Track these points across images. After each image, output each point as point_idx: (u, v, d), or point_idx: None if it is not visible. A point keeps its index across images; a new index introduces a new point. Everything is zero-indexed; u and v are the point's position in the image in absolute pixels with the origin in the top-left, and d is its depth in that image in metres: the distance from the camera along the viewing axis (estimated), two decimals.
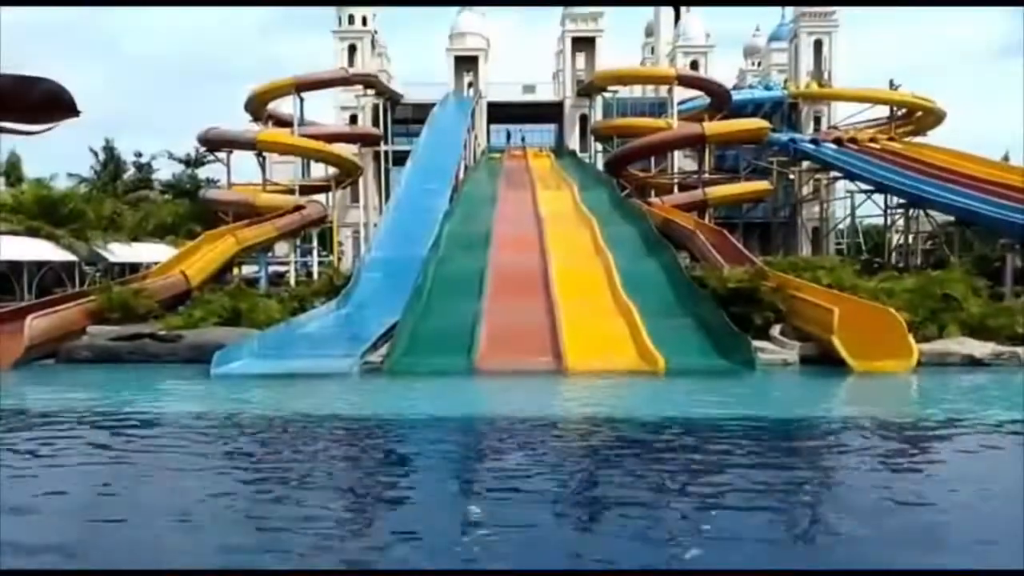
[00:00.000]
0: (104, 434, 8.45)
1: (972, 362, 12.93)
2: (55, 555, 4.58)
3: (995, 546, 4.75)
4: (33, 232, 23.87)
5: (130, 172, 38.66)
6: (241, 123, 30.96)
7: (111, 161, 37.18)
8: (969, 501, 5.76)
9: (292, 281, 25.90)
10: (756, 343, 13.29)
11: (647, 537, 4.92)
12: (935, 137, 32.75)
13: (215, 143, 28.15)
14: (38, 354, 14.11)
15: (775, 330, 14.31)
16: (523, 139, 38.59)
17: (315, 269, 28.40)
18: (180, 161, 39.25)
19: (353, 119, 35.57)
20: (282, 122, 30.79)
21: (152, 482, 6.47)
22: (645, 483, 6.33)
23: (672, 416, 9.11)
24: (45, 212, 25.13)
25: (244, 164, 30.37)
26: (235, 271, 24.79)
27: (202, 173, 39.12)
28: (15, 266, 23.21)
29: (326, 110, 36.50)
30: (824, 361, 12.88)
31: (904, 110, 33.05)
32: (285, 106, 31.19)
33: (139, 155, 38.99)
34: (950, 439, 8.11)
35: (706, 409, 9.56)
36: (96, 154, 36.98)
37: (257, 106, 29.93)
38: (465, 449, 8.03)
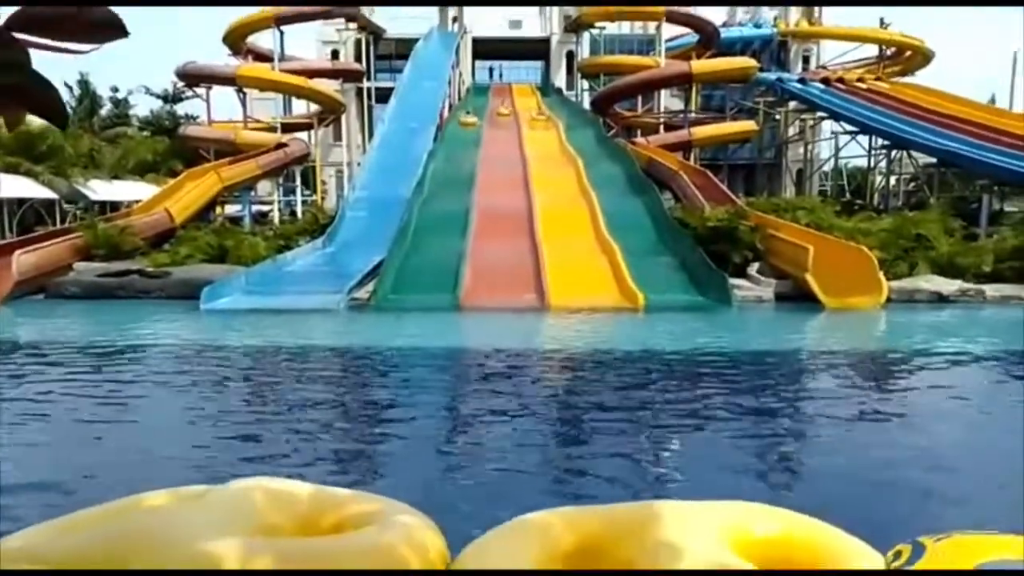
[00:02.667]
0: (102, 366, 8.72)
1: (939, 299, 13.41)
2: (47, 490, 4.59)
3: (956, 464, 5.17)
4: (12, 169, 23.53)
5: (107, 108, 37.77)
6: (220, 58, 30.28)
7: (86, 96, 36.22)
8: (929, 426, 6.20)
9: (276, 220, 25.85)
10: (733, 281, 13.68)
11: (627, 467, 5.12)
12: (924, 78, 32.70)
13: (194, 78, 27.56)
14: (26, 290, 14.23)
15: (753, 268, 14.69)
16: (500, 77, 37.96)
17: (299, 208, 28.30)
18: (158, 97, 38.40)
19: (335, 54, 34.81)
20: (262, 57, 30.09)
21: (146, 411, 6.75)
22: (625, 413, 6.69)
23: (648, 349, 9.49)
24: (23, 148, 24.68)
25: (224, 101, 29.82)
26: (218, 209, 24.68)
27: (180, 109, 38.38)
28: None
29: (307, 44, 35.67)
30: (798, 298, 13.30)
31: (893, 49, 32.86)
32: (264, 40, 30.46)
33: (115, 90, 38.02)
34: (907, 369, 8.56)
35: (678, 342, 9.95)
36: (71, 88, 36.07)
37: (236, 39, 29.20)
38: (450, 381, 8.36)
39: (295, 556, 1.93)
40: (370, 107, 33.22)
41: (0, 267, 14.07)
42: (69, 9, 1.01)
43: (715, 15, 35.80)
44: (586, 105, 31.34)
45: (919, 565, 1.90)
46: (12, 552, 1.94)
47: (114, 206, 24.92)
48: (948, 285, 13.68)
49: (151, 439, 5.76)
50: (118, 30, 1.04)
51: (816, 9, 35.13)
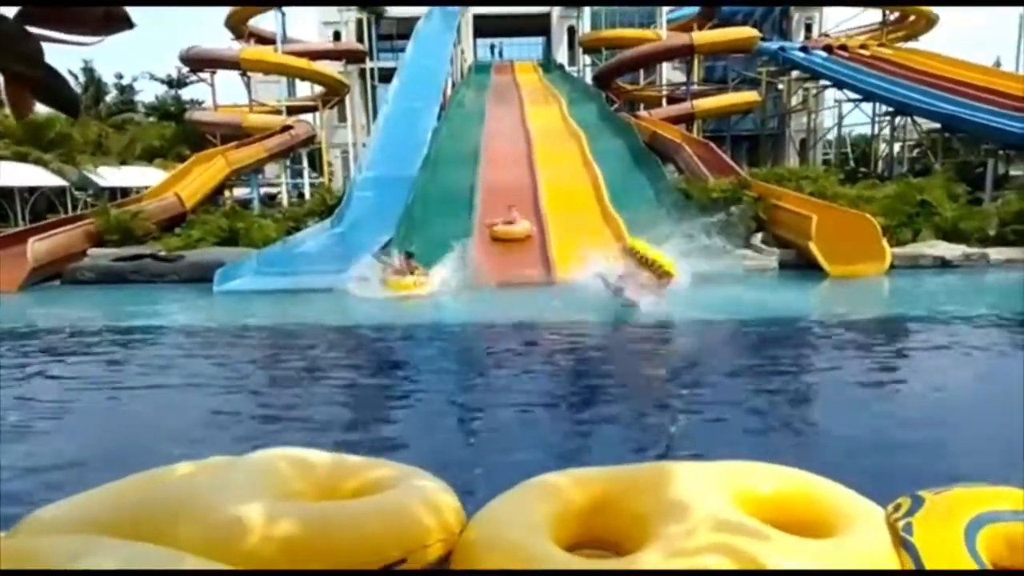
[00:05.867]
0: (123, 348, 8.97)
1: (943, 264, 13.53)
2: (74, 466, 4.64)
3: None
4: (21, 157, 23.79)
5: (112, 94, 37.95)
6: (223, 42, 30.31)
7: (92, 83, 36.40)
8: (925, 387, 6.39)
9: (284, 202, 26.06)
10: (738, 251, 13.82)
11: (634, 432, 5.27)
12: (929, 43, 32.41)
13: (198, 62, 27.66)
14: (42, 276, 14.51)
15: (756, 238, 14.82)
16: (501, 54, 37.79)
17: (307, 190, 28.49)
18: (162, 82, 38.55)
19: (336, 36, 34.75)
20: (264, 39, 30.14)
21: (168, 389, 6.94)
22: (631, 380, 6.90)
23: (653, 317, 9.67)
24: (31, 136, 24.93)
25: (228, 85, 29.93)
26: (227, 193, 24.91)
27: (186, 94, 38.52)
28: (6, 192, 23.27)
29: (309, 26, 35.65)
30: (802, 266, 13.44)
31: (896, 14, 32.53)
32: (267, 22, 30.47)
33: (120, 77, 38.22)
34: (908, 332, 8.73)
35: (683, 311, 10.11)
36: (76, 76, 36.19)
37: (238, 22, 29.23)
38: (461, 354, 8.56)
39: (319, 518, 1.99)
40: (373, 87, 33.21)
41: (15, 254, 14.35)
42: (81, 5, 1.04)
43: None
44: (588, 80, 31.26)
45: (917, 517, 2.01)
46: (52, 520, 1.99)
47: (124, 192, 25.20)
48: (952, 250, 13.79)
49: (173, 416, 5.92)
50: (124, 22, 1.02)
51: None
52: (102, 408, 6.23)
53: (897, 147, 29.82)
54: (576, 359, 7.71)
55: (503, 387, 6.53)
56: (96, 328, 9.99)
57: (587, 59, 33.76)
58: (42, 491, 3.68)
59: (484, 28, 36.95)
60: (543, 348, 8.35)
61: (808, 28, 34.93)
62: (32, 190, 23.85)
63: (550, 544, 2.00)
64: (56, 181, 24.18)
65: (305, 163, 29.89)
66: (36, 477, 4.40)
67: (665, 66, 31.24)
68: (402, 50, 28.87)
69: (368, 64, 32.97)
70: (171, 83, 38.14)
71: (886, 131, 29.20)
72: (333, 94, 29.84)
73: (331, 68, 29.64)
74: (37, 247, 14.50)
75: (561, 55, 36.01)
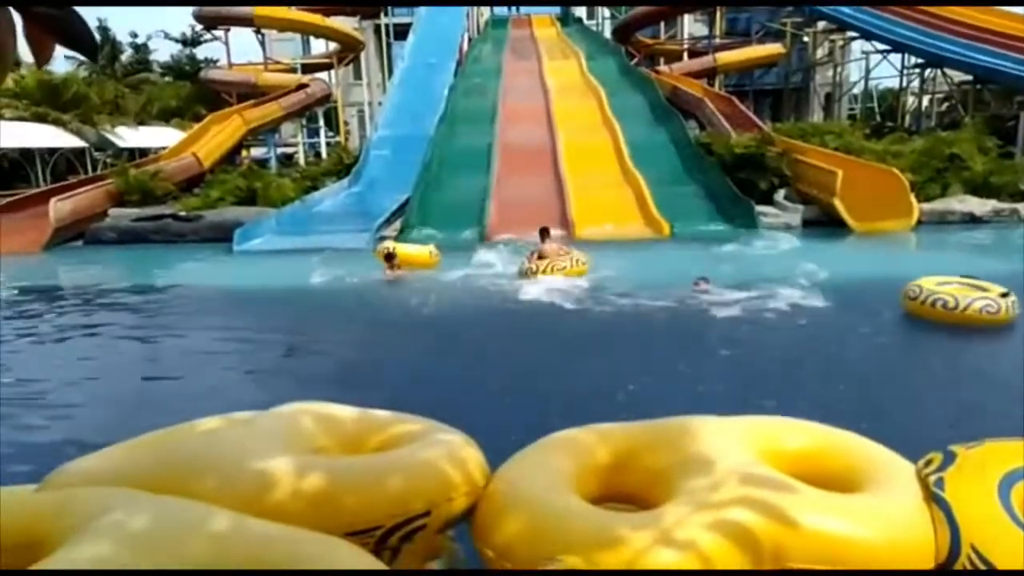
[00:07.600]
0: (150, 306, 9.08)
1: (972, 219, 13.23)
2: (99, 422, 4.73)
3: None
4: (40, 118, 23.86)
5: (127, 53, 37.79)
6: None
7: (106, 43, 36.21)
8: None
9: (301, 161, 25.99)
10: (760, 208, 13.60)
11: (656, 388, 5.19)
12: None
13: (211, 20, 27.37)
14: (65, 236, 14.67)
15: (779, 195, 14.56)
16: (518, 8, 36.98)
17: (323, 150, 28.36)
18: (177, 41, 38.28)
19: None
20: None
21: (193, 346, 7.06)
22: (651, 339, 6.84)
23: (674, 275, 9.58)
24: (48, 97, 24.95)
25: (243, 43, 29.64)
26: (244, 153, 24.87)
27: (200, 53, 38.27)
28: (27, 154, 23.41)
29: None
30: (826, 223, 13.20)
31: None
32: None
33: (135, 36, 37.99)
34: None
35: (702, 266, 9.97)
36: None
37: None
38: (480, 311, 8.55)
39: (344, 471, 1.98)
40: (389, 44, 32.70)
41: (38, 215, 14.51)
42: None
43: None
44: (607, 34, 30.57)
45: (949, 472, 1.95)
46: (80, 473, 2.00)
47: (142, 152, 25.25)
48: (981, 205, 13.47)
49: (198, 371, 6.01)
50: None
51: None
52: (129, 365, 6.32)
53: (926, 100, 28.99)
54: (597, 313, 7.66)
55: (520, 334, 6.51)
56: (123, 288, 10.10)
57: (606, 12, 32.94)
58: (64, 446, 3.75)
59: None
60: (561, 301, 8.31)
61: None
62: (52, 151, 23.97)
63: (574, 497, 1.98)
64: (75, 142, 24.26)
65: (321, 122, 29.68)
66: (58, 433, 4.49)
67: (686, 19, 30.43)
68: (418, 5, 28.33)
69: (383, 20, 32.42)
70: (185, 42, 37.87)
71: (915, 84, 28.37)
72: (348, 51, 29.46)
73: (346, 24, 29.20)
74: (59, 207, 14.63)
75: (579, 9, 35.16)
